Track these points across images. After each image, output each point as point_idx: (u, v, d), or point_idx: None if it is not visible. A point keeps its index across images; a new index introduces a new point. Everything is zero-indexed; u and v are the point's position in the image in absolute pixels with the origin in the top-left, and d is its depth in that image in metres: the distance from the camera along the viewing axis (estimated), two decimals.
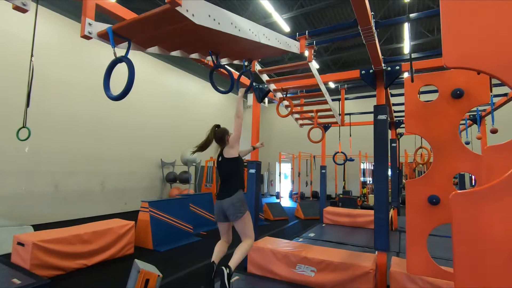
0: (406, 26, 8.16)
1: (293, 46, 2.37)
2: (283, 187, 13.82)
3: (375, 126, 3.22)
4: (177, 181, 9.67)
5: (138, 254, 4.61)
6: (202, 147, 2.99)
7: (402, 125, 6.88)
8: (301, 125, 4.51)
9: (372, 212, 6.83)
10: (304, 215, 8.33)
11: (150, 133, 9.74)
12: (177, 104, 11.04)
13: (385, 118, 3.17)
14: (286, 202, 12.76)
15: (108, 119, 8.46)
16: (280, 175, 12.98)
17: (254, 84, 4.09)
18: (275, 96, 3.66)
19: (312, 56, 2.68)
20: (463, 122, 6.23)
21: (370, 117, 8.66)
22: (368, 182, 12.63)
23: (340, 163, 6.26)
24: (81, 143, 7.69)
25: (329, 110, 3.86)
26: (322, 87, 3.19)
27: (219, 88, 2.44)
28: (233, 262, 2.36)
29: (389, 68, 3.19)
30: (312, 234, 5.68)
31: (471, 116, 6.04)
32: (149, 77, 9.91)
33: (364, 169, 12.78)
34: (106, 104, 8.40)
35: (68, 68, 7.54)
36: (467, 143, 4.66)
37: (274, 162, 15.88)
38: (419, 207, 2.01)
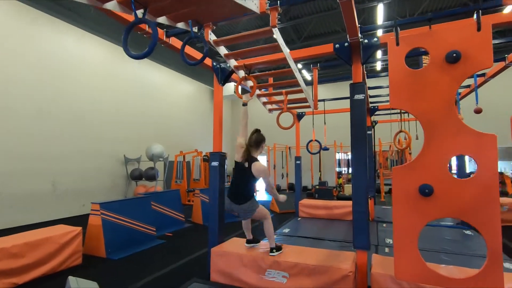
0: None
1: (251, 3, 1.86)
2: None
3: (352, 107, 2.81)
4: (143, 178, 8.93)
5: (87, 264, 3.97)
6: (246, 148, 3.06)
7: (377, 112, 6.66)
8: (270, 110, 4.04)
9: (348, 203, 6.62)
10: (279, 209, 7.97)
11: (110, 127, 8.87)
12: (141, 95, 10.18)
13: (363, 97, 2.77)
14: (262, 195, 12.40)
15: (59, 112, 7.53)
16: (275, 168, 12.55)
17: (214, 63, 3.55)
18: (237, 73, 3.15)
19: (276, 20, 2.19)
20: None
21: (345, 104, 8.40)
22: (343, 172, 12.56)
23: (314, 153, 5.92)
24: (23, 140, 6.74)
25: (300, 91, 3.41)
26: (291, 63, 2.72)
27: (132, 52, 1.83)
28: (271, 243, 3.03)
29: (366, 41, 2.78)
30: (286, 230, 5.30)
31: None
32: (109, 65, 8.98)
33: (339, 159, 12.67)
34: (55, 95, 7.45)
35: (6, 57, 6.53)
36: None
37: None
38: (409, 200, 1.61)
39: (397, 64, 1.71)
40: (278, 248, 3.07)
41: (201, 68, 13.53)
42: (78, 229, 4.00)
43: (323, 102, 6.10)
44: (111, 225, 4.48)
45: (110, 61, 9.10)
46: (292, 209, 8.10)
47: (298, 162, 7.00)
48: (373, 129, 6.59)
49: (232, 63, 2.90)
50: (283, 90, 3.35)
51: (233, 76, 3.91)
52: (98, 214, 4.40)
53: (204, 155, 11.29)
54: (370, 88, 5.00)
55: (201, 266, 3.83)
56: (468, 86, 5.21)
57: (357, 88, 2.80)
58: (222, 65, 3.57)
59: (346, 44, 2.90)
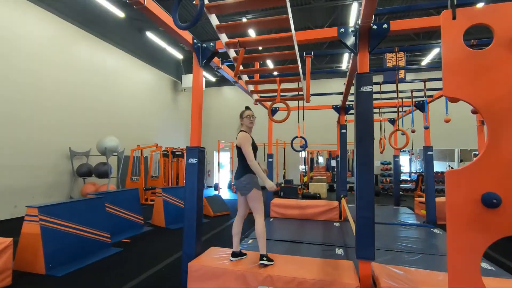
0: None
1: None
2: (221, 178, 12.85)
3: (357, 100, 2.49)
4: (93, 175, 7.82)
5: (19, 285, 3.13)
6: None
7: (351, 111, 6.60)
8: (257, 101, 3.58)
9: (321, 202, 6.48)
10: (213, 211, 7.53)
11: (54, 115, 7.58)
12: (94, 80, 8.92)
13: (370, 90, 2.47)
14: (225, 193, 11.89)
15: None
16: (219, 165, 11.95)
17: (195, 40, 2.98)
18: (227, 50, 2.62)
19: None
20: (409, 106, 6.21)
21: (320, 101, 8.32)
22: (304, 170, 12.62)
23: (299, 150, 5.61)
24: None
25: (297, 79, 3.01)
26: (296, 45, 2.30)
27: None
28: (261, 248, 2.75)
29: (375, 27, 2.49)
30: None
31: (416, 102, 6.03)
32: (57, 44, 7.63)
33: (304, 157, 12.70)
34: None
35: None
36: (426, 127, 4.49)
37: (212, 151, 14.78)
38: (469, 212, 1.30)
39: (454, 42, 1.39)
40: (270, 260, 2.67)
41: (163, 55, 12.72)
42: (7, 240, 3.13)
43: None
44: (53, 233, 3.63)
45: (59, 40, 7.76)
46: (226, 210, 7.55)
47: (270, 159, 6.66)
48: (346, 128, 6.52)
49: (224, 38, 2.38)
50: (277, 78, 2.92)
51: (214, 59, 3.38)
52: (35, 221, 3.53)
53: (164, 150, 10.40)
54: None
55: (170, 280, 3.25)
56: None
57: (363, 79, 2.49)
58: (204, 43, 3.00)
59: (352, 29, 2.57)
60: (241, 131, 2.95)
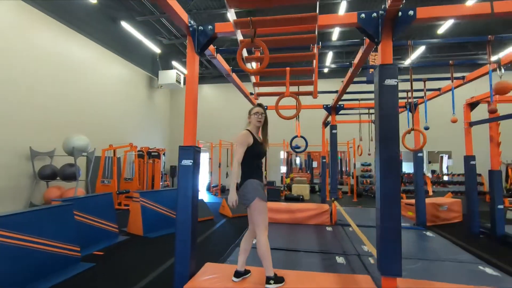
0: None
1: None
2: (200, 180, 12.32)
3: (381, 95, 2.21)
4: (58, 178, 6.98)
5: None
6: None
7: (342, 111, 6.44)
8: (258, 95, 3.20)
9: (311, 206, 6.19)
10: (232, 212, 7.14)
11: (11, 110, 6.65)
12: (60, 73, 8.01)
13: (396, 83, 2.20)
14: (203, 196, 11.34)
15: None
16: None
17: (191, 21, 2.55)
18: (236, 32, 2.22)
19: None
20: (401, 106, 6.15)
21: (304, 101, 8.07)
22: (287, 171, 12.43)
23: (300, 151, 5.30)
24: None
25: (309, 71, 2.67)
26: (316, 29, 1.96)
27: None
28: (267, 269, 2.39)
29: (400, 13, 2.22)
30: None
31: (406, 103, 5.97)
32: (16, 29, 6.70)
33: (287, 158, 12.49)
34: None
35: None
36: (426, 128, 4.37)
37: None
38: None
39: None
40: (279, 280, 2.30)
41: (138, 48, 11.83)
42: None
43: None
44: (7, 251, 3.00)
45: (17, 25, 6.83)
46: (246, 212, 7.37)
47: None
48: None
49: (232, 15, 1.99)
50: (287, 68, 2.56)
51: (210, 47, 2.95)
52: None
53: (139, 150, 9.67)
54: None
55: None
56: (438, 89, 5.27)
57: (388, 71, 2.21)
58: (201, 26, 2.57)
59: (374, 14, 2.28)
60: (245, 129, 2.58)
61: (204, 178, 13.49)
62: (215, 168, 12.53)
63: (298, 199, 9.97)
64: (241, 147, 2.42)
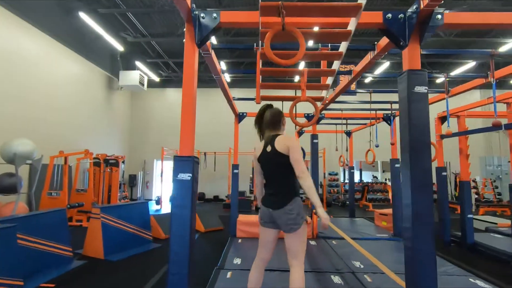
0: None
1: None
2: (164, 190, 11.36)
3: (411, 103, 2.01)
4: None
5: None
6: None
7: (323, 121, 6.35)
8: (263, 99, 2.81)
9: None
10: (204, 227, 6.57)
11: None
12: (1, 67, 6.78)
13: (426, 91, 2.02)
14: (167, 208, 10.50)
15: None
16: (162, 175, 10.51)
17: (194, 5, 2.12)
18: (260, 15, 1.84)
19: None
20: (373, 117, 6.25)
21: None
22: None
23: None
24: None
25: (330, 72, 2.37)
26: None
27: None
28: None
29: (433, 16, 2.06)
30: (237, 261, 4.08)
31: (385, 115, 6.09)
32: None
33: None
34: None
35: None
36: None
37: (152, 160, 13.11)
38: None
39: None
40: None
41: (97, 44, 10.67)
42: None
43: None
44: None
45: None
46: (219, 225, 6.88)
47: (236, 171, 5.89)
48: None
49: None
50: (304, 69, 2.24)
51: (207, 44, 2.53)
52: None
53: (95, 157, 8.60)
54: None
55: None
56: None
57: (417, 77, 2.03)
58: (203, 13, 2.15)
59: (401, 15, 2.10)
60: (278, 134, 2.22)
61: (168, 188, 12.56)
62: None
63: None
64: (301, 152, 2.10)
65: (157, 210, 9.78)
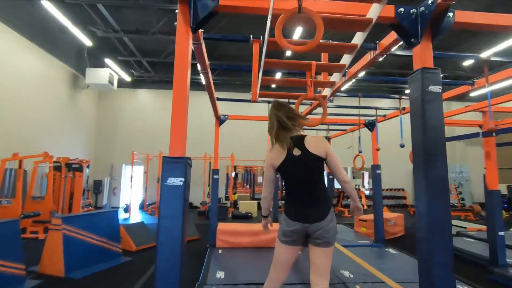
0: None
1: None
2: (133, 197, 10.59)
3: (426, 103, 1.88)
4: None
5: None
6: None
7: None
8: (261, 95, 2.54)
9: (276, 225, 5.58)
10: (136, 245, 6.05)
11: None
12: None
13: (440, 90, 1.90)
14: (136, 216, 9.80)
15: None
16: (131, 181, 9.78)
17: None
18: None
19: None
20: (356, 124, 6.27)
21: (241, 109, 7.57)
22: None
23: None
24: None
25: (339, 67, 2.16)
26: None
27: None
28: None
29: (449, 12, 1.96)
30: (221, 275, 3.74)
31: (367, 121, 6.12)
32: None
33: (235, 173, 11.85)
34: None
35: None
36: (402, 145, 4.39)
37: (120, 164, 12.26)
38: None
39: None
40: None
41: (62, 37, 9.82)
42: None
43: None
44: None
45: None
46: (195, 234, 6.42)
47: (216, 176, 5.55)
48: None
49: None
50: (313, 62, 2.01)
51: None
52: None
53: (56, 161, 7.76)
54: None
55: None
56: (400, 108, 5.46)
57: (432, 75, 1.91)
58: None
59: (414, 10, 1.98)
60: (303, 135, 1.96)
61: (138, 196, 11.78)
62: (151, 183, 11.04)
63: (247, 216, 9.39)
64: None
65: (125, 219, 9.05)
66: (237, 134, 11.91)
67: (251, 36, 2.44)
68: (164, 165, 1.70)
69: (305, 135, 1.93)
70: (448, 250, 1.77)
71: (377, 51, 2.54)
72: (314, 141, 1.89)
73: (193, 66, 11.29)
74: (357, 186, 13.57)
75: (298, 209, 1.89)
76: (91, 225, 4.57)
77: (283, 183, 2.07)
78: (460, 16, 2.01)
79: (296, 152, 1.87)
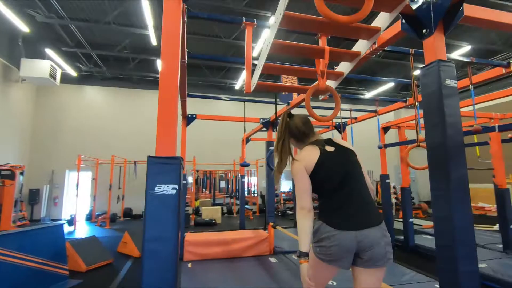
0: None
1: None
2: (79, 207, 9.29)
3: (444, 98, 1.74)
4: None
5: None
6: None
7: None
8: (260, 87, 2.16)
9: (247, 233, 5.20)
10: (140, 251, 5.41)
11: None
12: None
13: (455, 85, 1.78)
14: (82, 229, 8.66)
15: None
16: (77, 189, 8.56)
17: None
18: None
19: None
20: (326, 126, 6.27)
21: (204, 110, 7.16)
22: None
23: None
24: None
25: (353, 55, 1.89)
26: None
27: None
28: None
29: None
30: None
31: (337, 123, 6.14)
32: None
33: (196, 178, 11.20)
34: None
35: None
36: (380, 147, 4.37)
37: (62, 170, 10.78)
38: None
39: None
40: None
41: None
42: None
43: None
44: None
45: None
46: (107, 259, 5.34)
47: (184, 181, 5.02)
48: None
49: None
50: (326, 47, 1.72)
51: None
52: None
53: None
54: None
55: None
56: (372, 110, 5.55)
57: (447, 69, 1.77)
58: None
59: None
60: (330, 139, 1.78)
61: (85, 205, 10.44)
62: (101, 191, 9.85)
63: (210, 224, 8.88)
64: None
65: (70, 233, 7.89)
66: (198, 137, 11.32)
67: (244, 18, 2.09)
68: (150, 168, 1.27)
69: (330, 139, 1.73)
70: (474, 258, 1.63)
71: (375, 46, 2.40)
72: (342, 141, 1.71)
73: (148, 61, 10.33)
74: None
75: (348, 217, 1.50)
76: (27, 244, 3.73)
77: (318, 190, 1.62)
78: (469, 10, 1.94)
79: (330, 148, 1.63)
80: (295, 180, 1.60)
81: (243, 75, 10.85)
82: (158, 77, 10.41)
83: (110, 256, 5.12)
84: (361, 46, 1.84)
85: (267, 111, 5.78)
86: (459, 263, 1.61)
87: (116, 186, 10.15)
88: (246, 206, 10.26)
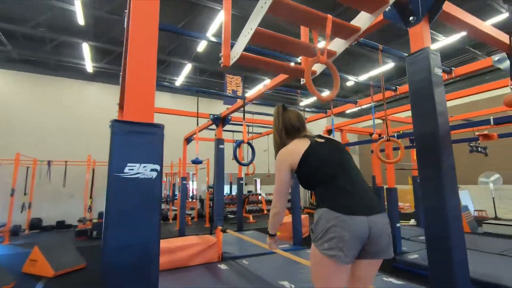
0: None
1: None
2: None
3: (432, 87, 1.71)
4: None
5: None
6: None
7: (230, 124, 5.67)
8: (229, 60, 1.80)
9: (193, 240, 4.64)
10: (54, 268, 4.36)
11: None
12: None
13: (441, 74, 1.78)
14: None
15: None
16: (13, 192, 6.60)
17: None
18: None
19: None
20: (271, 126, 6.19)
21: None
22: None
23: (245, 164, 3.89)
24: None
25: (352, 30, 1.67)
26: None
27: None
28: None
29: None
30: None
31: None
32: None
33: None
34: None
35: None
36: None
37: None
38: None
39: None
40: None
41: None
42: None
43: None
44: None
45: None
46: (78, 263, 4.75)
47: (184, 182, 4.26)
48: None
49: None
50: (329, 16, 1.47)
51: None
52: None
53: None
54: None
55: None
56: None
57: (435, 57, 1.76)
58: None
59: None
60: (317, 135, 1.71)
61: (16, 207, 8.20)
62: (2, 197, 7.89)
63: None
64: None
65: None
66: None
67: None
68: (117, 138, 0.81)
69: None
70: (464, 247, 1.61)
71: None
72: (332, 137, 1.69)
73: (72, 43, 8.84)
74: (247, 193, 13.23)
75: (353, 196, 1.34)
76: None
77: (313, 179, 1.43)
78: (447, 6, 2.00)
79: (320, 140, 1.56)
80: (276, 175, 1.52)
81: (185, 71, 10.19)
82: (82, 64, 8.91)
83: (11, 279, 3.99)
84: (362, 21, 1.71)
85: (212, 109, 5.44)
86: (453, 253, 1.57)
87: (21, 191, 8.27)
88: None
